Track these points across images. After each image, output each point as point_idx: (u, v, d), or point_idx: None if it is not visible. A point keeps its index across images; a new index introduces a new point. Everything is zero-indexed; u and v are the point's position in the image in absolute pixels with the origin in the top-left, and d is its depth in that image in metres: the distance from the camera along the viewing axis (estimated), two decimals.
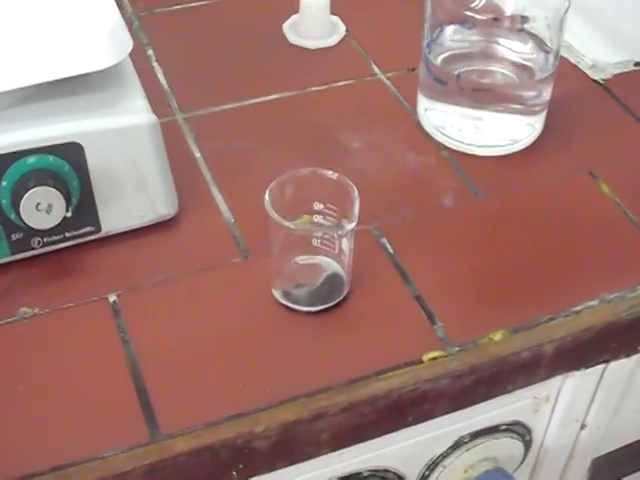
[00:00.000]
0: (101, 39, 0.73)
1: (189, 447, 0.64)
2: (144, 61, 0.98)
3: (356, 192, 0.70)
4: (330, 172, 0.71)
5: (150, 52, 1.00)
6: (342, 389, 0.68)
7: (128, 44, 0.76)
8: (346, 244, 0.72)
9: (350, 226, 0.69)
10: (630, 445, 0.94)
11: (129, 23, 1.03)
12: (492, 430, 0.81)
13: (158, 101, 0.91)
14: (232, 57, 0.99)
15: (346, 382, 0.68)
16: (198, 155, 0.87)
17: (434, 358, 0.70)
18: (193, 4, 1.07)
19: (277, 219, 0.68)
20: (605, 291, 0.76)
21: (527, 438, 0.84)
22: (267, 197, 0.68)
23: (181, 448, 0.64)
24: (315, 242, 0.72)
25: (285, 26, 1.03)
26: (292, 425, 0.67)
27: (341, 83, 0.97)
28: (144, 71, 0.93)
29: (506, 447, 0.82)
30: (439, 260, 0.78)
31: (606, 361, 0.79)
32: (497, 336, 0.72)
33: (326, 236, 0.71)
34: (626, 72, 1.00)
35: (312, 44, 1.01)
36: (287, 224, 0.68)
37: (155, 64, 0.98)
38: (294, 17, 1.03)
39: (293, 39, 1.01)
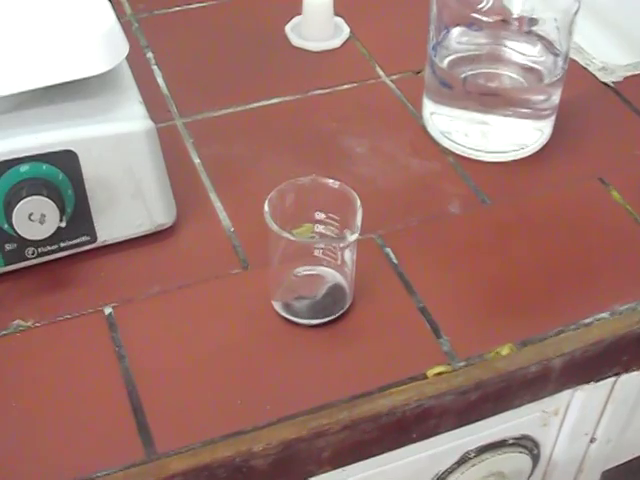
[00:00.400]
0: (96, 43, 0.71)
1: (186, 466, 0.62)
2: (143, 64, 0.96)
3: (359, 202, 0.68)
4: (331, 181, 0.69)
5: (149, 55, 0.98)
6: (344, 406, 0.66)
7: (124, 48, 0.74)
8: (348, 255, 0.69)
9: (352, 237, 0.66)
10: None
11: (128, 25, 1.01)
12: (499, 445, 0.79)
13: (157, 105, 0.89)
14: (233, 60, 0.97)
15: (348, 399, 0.66)
16: (197, 161, 0.85)
17: (439, 373, 0.68)
18: (193, 5, 1.05)
19: (277, 230, 0.66)
20: (616, 302, 0.73)
21: (535, 452, 0.81)
22: (266, 207, 0.66)
23: (177, 467, 0.62)
24: (317, 252, 0.70)
25: (287, 28, 1.01)
26: (292, 443, 0.65)
27: (345, 86, 0.94)
28: (143, 74, 0.92)
29: (513, 462, 0.80)
30: (444, 270, 0.76)
31: (617, 374, 0.77)
32: (504, 350, 0.70)
33: (328, 247, 0.68)
34: (637, 74, 0.97)
35: (315, 46, 0.99)
36: (287, 235, 0.65)
37: (154, 67, 0.96)
38: (297, 18, 1.01)
39: (296, 41, 0.99)
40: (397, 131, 0.89)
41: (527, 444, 0.80)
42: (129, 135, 0.73)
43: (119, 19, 0.73)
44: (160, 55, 0.98)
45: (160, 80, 0.94)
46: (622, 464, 0.91)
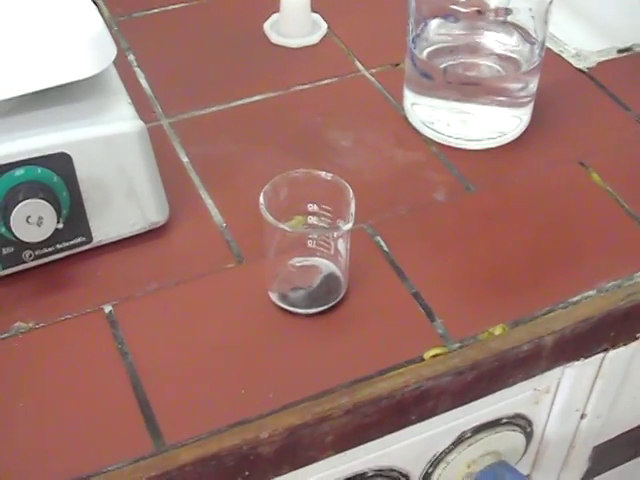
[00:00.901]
0: (85, 47, 0.72)
1: (194, 457, 0.64)
2: (125, 66, 0.97)
3: (351, 193, 0.69)
4: (324, 173, 0.71)
5: (131, 57, 0.99)
6: (345, 391, 0.68)
7: (112, 51, 0.75)
8: (342, 245, 0.71)
9: (347, 227, 0.68)
10: (629, 432, 0.94)
11: (108, 28, 1.01)
12: (494, 424, 0.80)
13: (142, 107, 0.90)
14: (214, 59, 0.99)
15: (348, 383, 0.68)
16: (186, 160, 0.86)
17: (435, 355, 0.70)
18: (171, 7, 1.06)
19: (272, 222, 0.67)
20: (602, 280, 0.75)
21: (528, 430, 0.83)
22: (262, 200, 0.68)
23: (186, 458, 0.64)
24: (310, 243, 0.72)
25: (266, 25, 1.02)
26: (296, 429, 0.66)
27: (325, 81, 0.96)
28: (126, 76, 0.92)
29: (508, 440, 0.82)
30: (434, 256, 0.78)
31: (605, 350, 0.79)
32: (497, 330, 0.72)
33: (321, 237, 0.70)
34: (610, 59, 1.00)
35: (294, 43, 1.00)
36: (282, 226, 0.67)
37: (137, 69, 0.97)
38: (275, 16, 1.03)
39: (275, 38, 1.01)
40: (380, 123, 0.91)
41: (520, 422, 0.82)
42: (121, 136, 0.74)
43: None
44: (141, 57, 0.99)
45: (143, 81, 0.95)
46: (612, 439, 0.93)
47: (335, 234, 0.70)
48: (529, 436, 0.84)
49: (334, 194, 0.70)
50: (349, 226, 0.68)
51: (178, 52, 1.00)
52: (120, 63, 0.93)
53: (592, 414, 0.86)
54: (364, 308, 0.73)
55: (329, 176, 0.70)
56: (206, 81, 0.96)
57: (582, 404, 0.84)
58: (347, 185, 0.70)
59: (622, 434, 0.94)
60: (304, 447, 0.68)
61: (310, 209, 0.72)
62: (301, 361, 0.70)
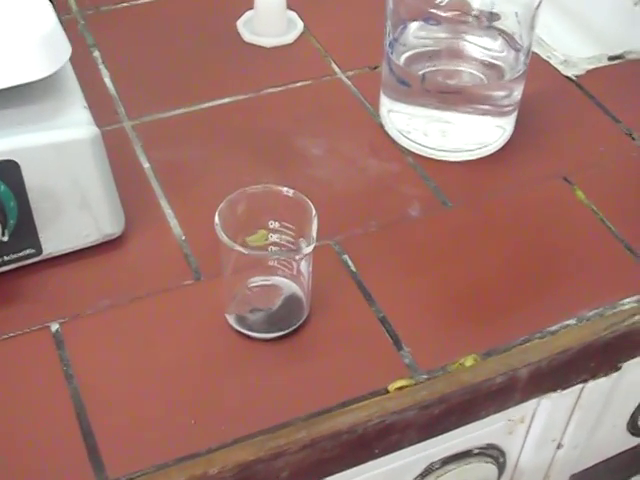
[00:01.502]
0: (35, 47, 0.67)
1: None
2: (89, 63, 0.92)
3: (314, 211, 0.65)
4: (285, 189, 0.66)
5: (96, 54, 0.94)
6: (302, 424, 0.63)
7: (66, 51, 0.70)
8: (304, 265, 0.67)
9: (308, 249, 0.63)
10: (608, 460, 0.90)
11: (74, 23, 0.97)
12: (464, 455, 0.76)
13: (104, 107, 0.86)
14: (183, 57, 0.94)
15: (306, 416, 0.64)
16: (147, 166, 0.82)
17: (401, 387, 0.65)
18: (142, 1, 1.01)
19: (228, 243, 0.62)
20: (583, 308, 0.71)
21: (501, 460, 0.79)
22: (217, 220, 0.63)
23: None
24: (271, 262, 0.67)
25: (239, 23, 0.97)
26: (249, 465, 0.62)
27: (299, 84, 0.91)
28: (89, 75, 0.88)
29: (479, 471, 0.78)
30: (405, 278, 0.73)
31: (584, 381, 0.75)
32: (468, 361, 0.67)
33: (283, 257, 0.66)
34: (600, 67, 0.95)
35: (268, 42, 0.95)
36: (239, 248, 0.62)
37: (101, 66, 0.92)
38: (248, 13, 0.98)
39: (248, 37, 0.96)
40: (354, 130, 0.86)
41: (493, 453, 0.78)
42: (73, 143, 0.70)
43: (64, 16, 0.69)
44: (107, 54, 0.94)
45: (107, 80, 0.91)
46: (590, 467, 0.89)
47: (296, 257, 0.65)
48: (502, 467, 0.80)
49: (296, 211, 0.66)
50: (310, 249, 0.63)
51: (146, 49, 0.95)
52: (84, 60, 0.90)
53: (569, 444, 0.82)
54: (327, 333, 0.69)
55: (290, 192, 0.66)
56: (174, 81, 0.91)
57: (559, 434, 0.80)
58: (309, 203, 0.65)
59: (600, 462, 0.90)
60: None
61: (271, 226, 0.67)
62: (257, 390, 0.65)
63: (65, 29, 0.70)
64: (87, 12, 1.00)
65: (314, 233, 0.63)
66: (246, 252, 0.63)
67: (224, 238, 0.63)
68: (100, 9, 1.00)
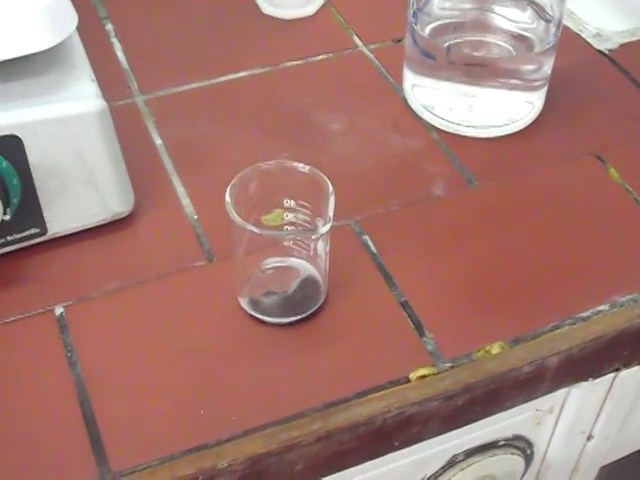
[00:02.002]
0: (39, 17, 0.64)
1: None
2: (102, 36, 0.89)
3: (331, 188, 0.61)
4: (301, 164, 0.63)
5: (109, 26, 0.90)
6: (317, 415, 0.60)
7: (72, 21, 0.67)
8: (322, 245, 0.63)
9: (324, 229, 0.60)
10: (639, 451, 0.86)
11: None
12: (489, 446, 0.73)
13: (116, 81, 0.83)
14: (199, 30, 0.90)
15: (322, 407, 0.60)
16: (159, 142, 0.78)
17: (423, 376, 0.62)
18: None
19: (240, 222, 0.59)
20: (616, 293, 0.67)
21: (528, 452, 0.76)
22: (228, 197, 0.60)
23: None
24: (287, 242, 0.64)
25: None
26: (260, 458, 0.58)
27: (319, 57, 0.87)
28: (101, 48, 0.86)
29: (505, 463, 0.74)
30: (428, 260, 0.69)
31: (616, 370, 0.71)
32: (494, 349, 0.63)
33: (298, 237, 0.62)
34: (634, 41, 0.90)
35: (288, 14, 0.91)
36: (250, 228, 0.59)
37: (114, 40, 0.89)
38: None
39: (267, 9, 0.92)
40: (376, 105, 0.82)
41: (520, 444, 0.74)
42: (79, 117, 0.66)
43: None
44: (120, 26, 0.90)
45: (120, 54, 0.87)
46: (621, 458, 0.85)
47: (312, 236, 0.61)
48: (529, 459, 0.76)
49: (312, 188, 0.62)
50: (327, 228, 0.60)
51: (161, 22, 0.91)
52: (96, 33, 0.87)
53: (600, 435, 0.78)
54: (345, 318, 0.65)
55: (306, 168, 0.62)
56: (188, 55, 0.87)
57: (589, 425, 0.76)
58: (326, 179, 0.61)
59: (632, 454, 0.86)
60: (269, 478, 0.60)
61: (287, 205, 0.63)
62: (270, 379, 0.62)
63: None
64: None
65: (331, 212, 0.60)
66: (259, 232, 0.59)
67: (235, 217, 0.59)
68: None
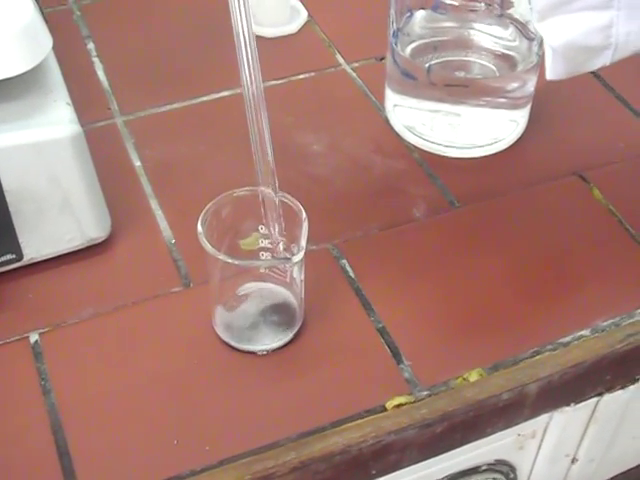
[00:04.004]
0: (11, 41, 0.63)
1: None
2: (83, 56, 0.88)
3: (304, 214, 0.60)
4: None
5: (90, 46, 0.90)
6: (292, 445, 0.59)
7: (46, 44, 0.66)
8: (297, 272, 0.62)
9: (297, 258, 0.59)
10: (627, 472, 0.85)
11: (69, 13, 0.93)
12: (472, 472, 0.72)
13: (96, 102, 0.82)
14: (181, 49, 0.89)
15: (296, 436, 0.59)
16: (138, 164, 0.77)
17: (399, 405, 0.61)
18: None
19: (212, 252, 0.58)
20: (598, 318, 0.66)
21: (511, 476, 0.75)
22: (200, 227, 0.59)
23: None
24: (262, 268, 0.63)
25: None
26: None
27: (301, 76, 0.87)
28: (82, 68, 0.85)
29: None
30: (407, 285, 0.68)
31: (599, 394, 0.70)
32: (472, 376, 0.63)
33: (268, 267, 0.61)
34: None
35: (270, 32, 0.91)
36: (222, 257, 0.58)
37: (95, 59, 0.88)
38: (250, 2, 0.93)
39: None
40: (358, 125, 0.82)
41: (502, 469, 0.73)
42: (53, 142, 0.65)
43: (59, 7, 0.65)
44: (102, 46, 0.90)
45: (101, 73, 0.86)
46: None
47: (287, 265, 0.61)
48: None
49: (286, 214, 0.61)
50: (300, 257, 0.59)
51: (142, 41, 0.91)
52: (77, 52, 0.86)
53: (585, 458, 0.77)
54: (321, 345, 0.64)
55: (280, 195, 0.61)
56: (170, 74, 0.87)
57: (573, 449, 0.76)
58: (299, 206, 0.61)
59: (620, 474, 0.85)
60: None
61: (262, 231, 0.62)
62: (245, 408, 0.61)
63: (52, 21, 0.66)
64: (83, 2, 0.95)
65: (303, 240, 0.59)
66: (230, 261, 0.58)
67: (208, 247, 0.58)
68: None
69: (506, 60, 0.79)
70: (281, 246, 0.61)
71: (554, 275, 0.69)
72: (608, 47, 0.59)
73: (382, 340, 0.64)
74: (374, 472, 0.63)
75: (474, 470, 0.72)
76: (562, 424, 0.71)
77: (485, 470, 0.72)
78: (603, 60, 0.60)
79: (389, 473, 0.64)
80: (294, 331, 0.64)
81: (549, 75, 0.63)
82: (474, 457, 0.71)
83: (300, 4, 0.94)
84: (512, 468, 0.74)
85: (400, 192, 0.75)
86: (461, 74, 0.78)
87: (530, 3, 0.73)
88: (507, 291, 0.68)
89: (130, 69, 0.87)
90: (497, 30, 0.79)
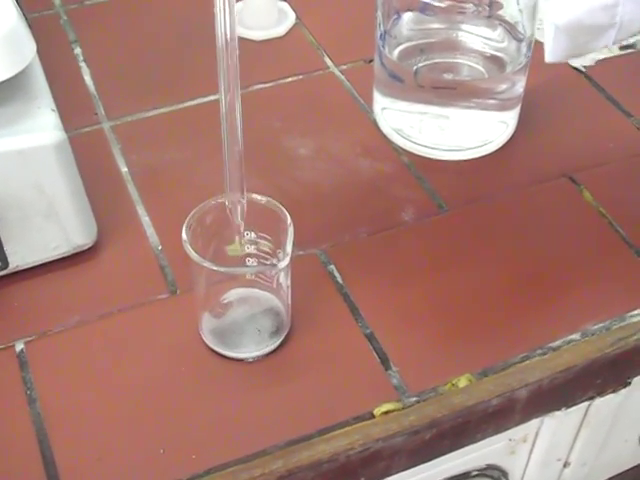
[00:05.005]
0: None
1: None
2: (70, 61, 0.88)
3: (289, 220, 0.60)
4: (259, 196, 0.61)
5: (77, 50, 0.89)
6: (279, 454, 0.58)
7: (30, 51, 0.66)
8: (284, 278, 0.61)
9: (283, 264, 0.58)
10: (620, 475, 0.85)
11: (56, 18, 0.92)
12: (462, 477, 0.72)
13: (83, 107, 0.82)
14: (169, 53, 0.89)
15: (284, 444, 0.59)
16: (125, 170, 0.77)
17: (387, 412, 0.60)
18: None
19: (198, 260, 0.58)
20: (588, 322, 0.66)
21: None
22: (184, 235, 0.58)
23: None
24: (249, 275, 0.62)
25: None
26: None
27: (289, 79, 0.86)
28: (69, 72, 0.84)
29: None
30: (395, 290, 0.68)
31: (591, 398, 0.69)
32: (462, 382, 0.62)
33: (253, 273, 0.61)
34: (610, 57, 0.89)
35: (258, 35, 0.90)
36: (207, 264, 0.57)
37: (82, 64, 0.87)
38: (238, 5, 0.92)
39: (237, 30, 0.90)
40: (346, 129, 0.81)
41: (494, 474, 0.73)
42: (37, 149, 0.65)
43: (46, 12, 0.64)
44: (89, 50, 0.89)
45: (87, 78, 0.86)
46: None
47: (273, 272, 0.60)
48: None
49: (271, 220, 0.61)
50: (285, 263, 0.58)
51: (129, 45, 0.90)
52: (64, 57, 0.86)
53: (577, 462, 0.76)
54: (308, 352, 0.64)
55: (264, 200, 0.61)
56: (157, 79, 0.86)
57: (565, 453, 0.75)
58: (284, 211, 0.60)
59: (613, 477, 0.84)
60: None
61: (247, 236, 0.62)
62: (232, 415, 0.60)
63: (38, 26, 0.65)
64: (70, 7, 0.95)
65: (289, 246, 0.58)
66: (215, 269, 0.58)
67: (193, 254, 0.58)
68: (84, 4, 0.96)
69: (495, 61, 0.78)
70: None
71: (544, 279, 0.69)
72: (612, 26, 0.58)
73: (370, 346, 0.64)
74: (363, 479, 0.62)
75: (465, 475, 0.71)
76: (553, 428, 0.71)
77: (476, 475, 0.72)
78: (606, 40, 0.60)
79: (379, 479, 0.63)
80: (281, 337, 0.64)
81: (548, 58, 0.62)
82: (465, 462, 0.70)
83: (288, 7, 0.93)
84: (504, 473, 0.74)
85: (388, 195, 0.75)
86: (449, 76, 0.77)
87: (518, 4, 0.73)
88: (497, 295, 0.67)
89: (117, 74, 0.87)
90: (485, 31, 0.78)
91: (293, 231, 0.59)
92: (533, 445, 0.72)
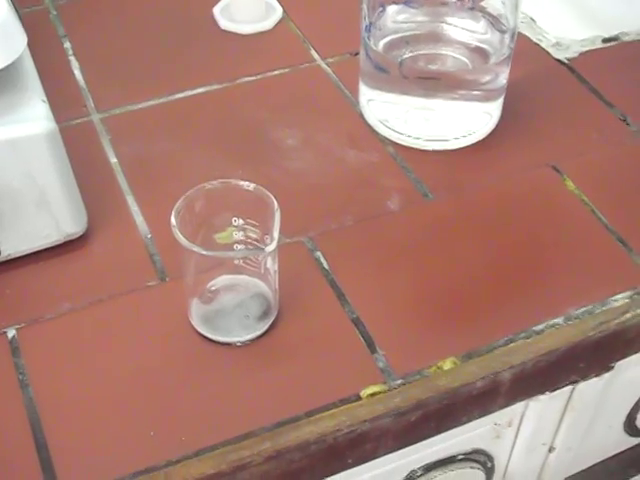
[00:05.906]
0: None
1: None
2: (59, 55, 0.89)
3: (276, 205, 0.61)
4: (246, 183, 0.62)
5: (67, 45, 0.90)
6: (267, 435, 0.59)
7: (20, 42, 0.66)
8: (271, 263, 0.63)
9: (270, 248, 0.59)
10: (605, 461, 0.86)
11: (45, 13, 0.93)
12: (448, 461, 0.72)
13: (72, 100, 0.83)
14: (157, 47, 0.90)
15: (272, 426, 0.60)
16: (114, 160, 0.78)
17: (373, 394, 0.61)
18: None
19: (187, 245, 0.59)
20: (571, 306, 0.67)
21: (489, 465, 0.75)
22: (173, 220, 0.59)
23: None
24: (237, 260, 0.63)
25: (216, 10, 0.93)
26: (210, 479, 0.58)
27: (276, 72, 0.87)
28: (58, 66, 0.85)
29: (465, 477, 0.74)
30: (381, 276, 0.69)
31: (574, 382, 0.70)
32: (446, 364, 0.63)
33: (242, 257, 0.62)
34: (594, 50, 0.90)
35: (245, 29, 0.91)
36: (197, 249, 0.58)
37: (71, 58, 0.88)
38: (225, 0, 0.94)
39: (224, 24, 0.92)
40: (332, 120, 0.82)
41: (479, 458, 0.74)
42: (28, 139, 0.66)
43: (35, 7, 0.65)
44: (78, 44, 0.90)
45: (77, 72, 0.87)
46: (587, 468, 0.85)
47: (259, 256, 0.61)
48: (490, 472, 0.76)
49: (259, 206, 0.62)
50: (272, 247, 0.59)
51: (118, 39, 0.91)
52: (54, 51, 0.86)
53: (562, 447, 0.78)
54: (296, 336, 0.65)
55: (251, 186, 0.62)
56: (146, 72, 0.87)
57: (550, 437, 0.76)
58: (271, 197, 0.61)
59: (598, 463, 0.85)
60: None
61: (235, 223, 0.63)
62: (220, 398, 0.61)
63: (28, 21, 0.66)
64: (59, 2, 0.96)
65: (276, 231, 0.59)
66: (204, 253, 0.59)
67: (182, 240, 0.59)
68: None
69: (478, 53, 0.79)
70: None
71: (528, 264, 0.70)
72: None
73: (356, 330, 0.65)
74: (350, 461, 0.63)
75: (451, 460, 0.72)
76: (538, 412, 0.72)
77: (462, 460, 0.73)
78: None
79: (365, 462, 0.64)
80: (269, 322, 0.65)
81: None
82: (450, 446, 0.71)
83: (275, 1, 0.94)
84: (489, 457, 0.75)
85: (374, 185, 0.76)
86: (434, 67, 0.79)
87: None
88: (481, 281, 0.68)
89: (106, 67, 0.88)
90: (469, 23, 0.79)
91: (280, 216, 0.60)
92: (518, 429, 0.74)
